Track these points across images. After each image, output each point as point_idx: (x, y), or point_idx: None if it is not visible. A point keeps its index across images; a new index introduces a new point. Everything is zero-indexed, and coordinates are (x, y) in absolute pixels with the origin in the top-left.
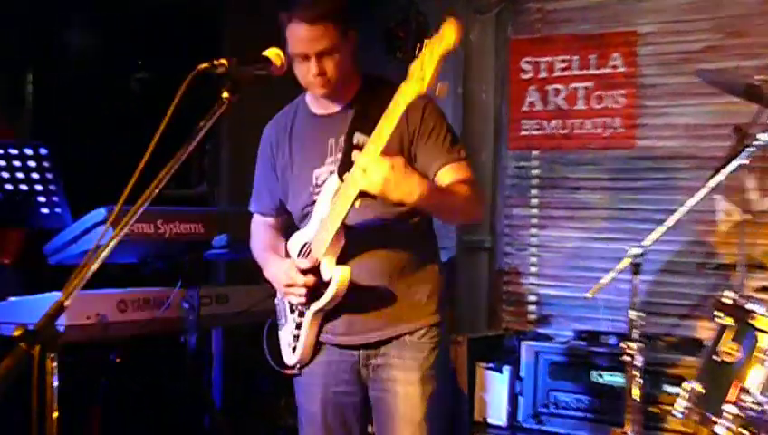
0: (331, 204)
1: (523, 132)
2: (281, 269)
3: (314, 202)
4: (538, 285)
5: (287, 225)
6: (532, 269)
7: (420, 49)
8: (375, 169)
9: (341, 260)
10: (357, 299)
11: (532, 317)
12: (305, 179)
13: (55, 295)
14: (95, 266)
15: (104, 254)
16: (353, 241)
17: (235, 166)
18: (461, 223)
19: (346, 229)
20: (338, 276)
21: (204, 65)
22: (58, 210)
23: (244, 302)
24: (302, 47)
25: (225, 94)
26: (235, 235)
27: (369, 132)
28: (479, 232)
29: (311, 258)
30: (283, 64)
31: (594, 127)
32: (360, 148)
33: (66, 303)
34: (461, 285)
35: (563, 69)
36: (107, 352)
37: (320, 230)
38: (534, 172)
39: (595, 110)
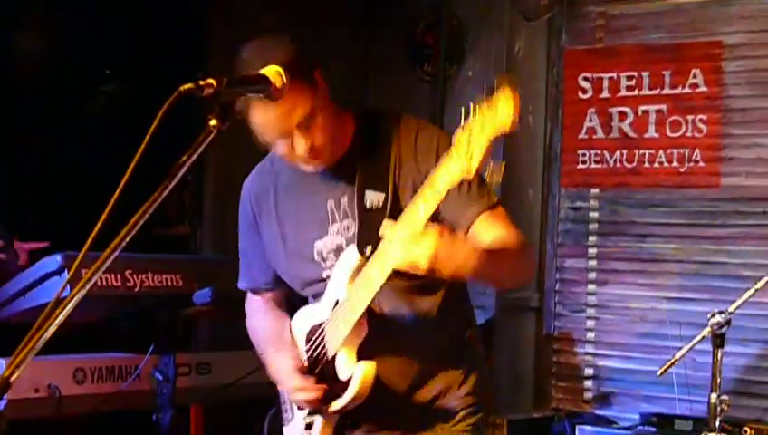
0: (348, 284)
1: (580, 165)
2: (287, 369)
3: (324, 279)
4: (596, 355)
5: (289, 295)
6: (590, 335)
7: (468, 115)
8: (420, 242)
9: (358, 352)
10: (381, 396)
11: (589, 395)
12: (305, 255)
13: None
14: (52, 330)
15: (63, 313)
16: (374, 328)
17: (221, 202)
18: (509, 288)
19: (373, 319)
20: (360, 375)
21: (187, 86)
22: (2, 256)
23: (230, 372)
24: (275, 128)
25: (214, 122)
26: (220, 288)
27: (381, 187)
28: (524, 288)
29: (323, 352)
30: (284, 84)
31: (668, 160)
32: (374, 210)
33: (12, 378)
34: (501, 354)
35: (630, 87)
36: (60, 433)
37: (335, 317)
38: (593, 215)
39: (670, 138)
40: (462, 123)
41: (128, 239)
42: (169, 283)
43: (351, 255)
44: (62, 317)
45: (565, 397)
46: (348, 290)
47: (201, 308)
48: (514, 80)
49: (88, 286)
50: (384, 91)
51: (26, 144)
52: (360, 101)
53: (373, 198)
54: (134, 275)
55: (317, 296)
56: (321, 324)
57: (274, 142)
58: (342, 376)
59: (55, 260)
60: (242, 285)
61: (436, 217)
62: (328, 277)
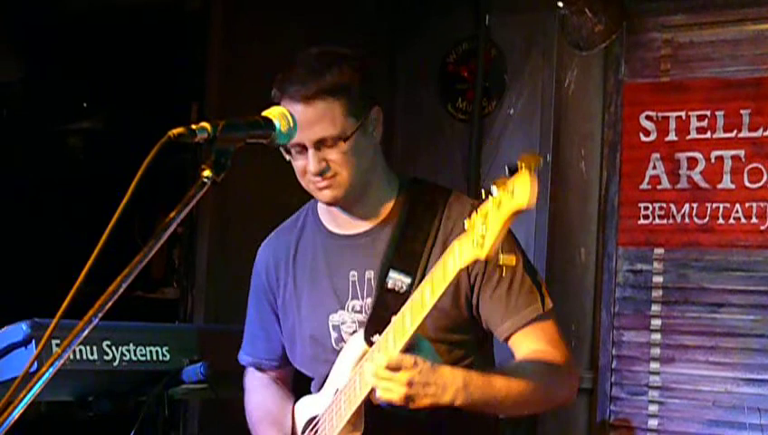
0: (351, 373)
1: (642, 221)
2: None
3: (332, 357)
4: None
5: (294, 375)
6: (652, 423)
7: (485, 196)
8: (391, 375)
9: None
10: None
11: None
12: (319, 325)
13: None
14: (18, 412)
15: (31, 393)
16: (375, 421)
17: (217, 261)
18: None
19: (367, 409)
20: None
21: (177, 131)
22: None
23: None
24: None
25: (207, 172)
26: (214, 364)
27: (410, 270)
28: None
29: None
30: (290, 128)
31: (747, 215)
32: (395, 293)
33: None
34: None
35: (702, 129)
36: None
37: (333, 406)
38: (657, 280)
39: (749, 190)
40: (479, 205)
41: (107, 307)
42: (154, 357)
43: (357, 342)
44: (29, 397)
45: None
46: (348, 379)
47: (191, 387)
48: (536, 158)
49: (60, 362)
50: (412, 132)
51: None
52: (387, 143)
53: (398, 279)
54: (113, 348)
55: (322, 378)
56: (317, 416)
57: (292, 153)
58: None
59: (21, 329)
60: (243, 359)
61: (475, 312)
62: (334, 358)
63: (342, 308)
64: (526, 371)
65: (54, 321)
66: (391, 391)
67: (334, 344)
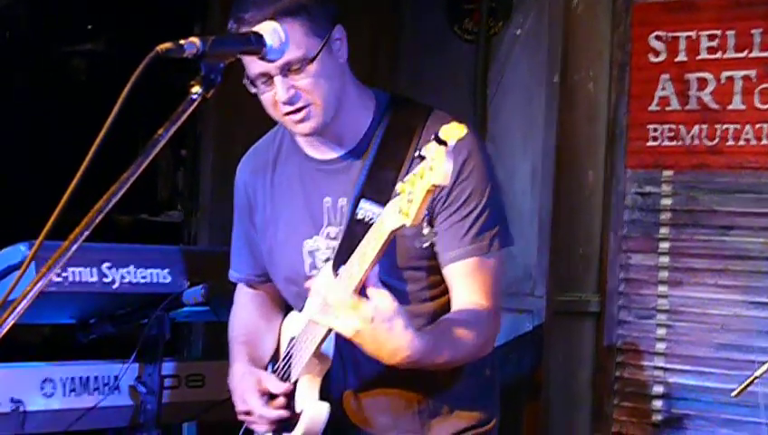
0: (317, 308)
1: (651, 143)
2: (240, 384)
3: (309, 279)
4: (667, 369)
5: None
6: (660, 346)
7: (420, 159)
8: (346, 313)
9: (341, 381)
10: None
11: (658, 418)
12: (293, 251)
13: None
14: (2, 330)
15: (16, 311)
16: (361, 364)
17: (221, 183)
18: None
19: (347, 347)
20: (307, 415)
21: (165, 46)
22: None
23: (226, 386)
24: (257, 64)
25: (196, 88)
26: (217, 286)
27: (381, 200)
28: (581, 288)
29: (288, 373)
30: (282, 44)
31: (757, 137)
32: (364, 225)
33: None
34: (553, 368)
35: (713, 49)
36: None
37: (302, 337)
38: (666, 202)
39: (759, 111)
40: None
41: (94, 224)
42: (155, 278)
43: (325, 274)
44: (11, 319)
45: (629, 419)
46: (316, 311)
47: (193, 309)
48: (457, 130)
49: (43, 281)
50: (417, 53)
51: None
52: (392, 64)
53: (369, 209)
54: (113, 270)
55: (301, 298)
56: (294, 338)
57: (258, 88)
58: (297, 407)
59: (19, 250)
60: (232, 275)
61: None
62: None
63: (317, 234)
64: (463, 330)
65: (41, 236)
66: (342, 326)
67: (308, 270)
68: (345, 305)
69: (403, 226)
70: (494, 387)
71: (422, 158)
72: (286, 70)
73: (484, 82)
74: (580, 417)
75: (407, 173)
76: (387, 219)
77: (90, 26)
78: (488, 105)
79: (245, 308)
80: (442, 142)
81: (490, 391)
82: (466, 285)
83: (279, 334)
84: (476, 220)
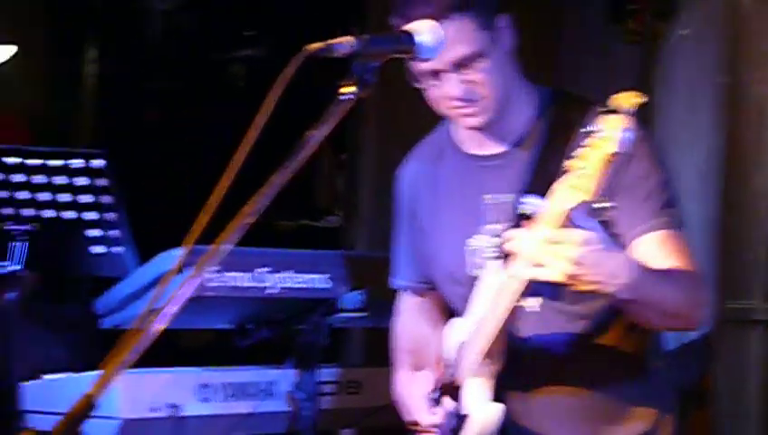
0: (490, 303)
1: None
2: (404, 393)
3: (472, 281)
4: None
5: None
6: None
7: (588, 133)
8: (559, 242)
9: (508, 382)
10: None
11: None
12: (456, 251)
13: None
14: (152, 334)
15: (166, 315)
16: (531, 364)
17: (381, 187)
18: (668, 329)
19: (517, 346)
20: (480, 418)
21: (315, 46)
22: (118, 249)
23: (385, 392)
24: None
25: (349, 89)
26: (375, 292)
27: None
28: (748, 295)
29: (456, 377)
30: (438, 43)
31: None
32: (530, 218)
33: (97, 397)
34: (720, 379)
35: None
36: None
37: (471, 339)
38: None
39: None
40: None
41: (245, 225)
42: (313, 284)
43: (494, 269)
44: (161, 324)
45: None
46: (488, 309)
47: (351, 315)
48: (631, 98)
49: (192, 286)
50: (578, 54)
51: (158, 117)
52: (551, 62)
53: (534, 205)
54: (271, 275)
55: (465, 300)
56: (464, 342)
57: (424, 83)
58: (465, 411)
59: (173, 256)
60: (394, 283)
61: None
62: (477, 280)
63: (480, 233)
64: (676, 276)
65: (191, 238)
66: (553, 266)
67: (471, 270)
68: (554, 235)
69: (582, 202)
70: (670, 390)
71: (589, 134)
72: (458, 66)
73: (647, 84)
74: (748, 428)
75: None
76: (560, 200)
77: (248, 32)
78: (653, 106)
79: (409, 315)
80: (613, 112)
81: (666, 394)
82: (661, 253)
83: (443, 342)
84: (659, 196)
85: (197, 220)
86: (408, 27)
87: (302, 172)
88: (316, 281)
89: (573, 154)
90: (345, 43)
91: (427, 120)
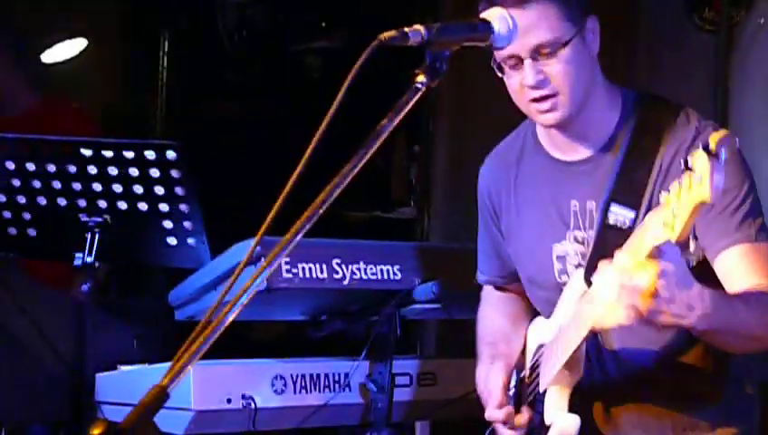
0: (572, 314)
1: None
2: (486, 387)
3: (558, 286)
4: None
5: None
6: None
7: (684, 168)
8: (637, 274)
9: (591, 393)
10: None
11: None
12: (542, 255)
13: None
14: (223, 326)
15: (237, 306)
16: (619, 377)
17: (455, 179)
18: (750, 351)
19: (605, 358)
20: (557, 427)
21: (388, 35)
22: (191, 241)
23: (460, 384)
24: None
25: (421, 78)
26: (449, 284)
27: (633, 203)
28: None
29: (536, 381)
30: (510, 31)
31: None
32: (617, 230)
33: (170, 388)
34: None
35: None
36: None
37: (553, 346)
38: None
39: None
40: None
41: (316, 217)
42: (386, 275)
43: (577, 282)
44: (231, 315)
45: None
46: (568, 319)
47: (424, 306)
48: (726, 139)
49: (263, 276)
50: (655, 45)
51: (232, 109)
52: (629, 57)
53: (620, 214)
54: (343, 266)
55: (549, 304)
56: (543, 346)
57: (505, 69)
58: (546, 419)
59: (247, 247)
60: (479, 277)
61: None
62: (563, 285)
63: (565, 238)
64: (752, 302)
65: (261, 231)
66: (630, 306)
67: (558, 276)
68: (635, 266)
69: (667, 241)
70: (755, 405)
71: (688, 168)
72: (537, 53)
73: (725, 74)
74: None
75: (658, 176)
76: (649, 232)
77: (324, 24)
78: (729, 97)
79: (493, 308)
80: (710, 153)
81: (751, 410)
82: (740, 269)
83: (525, 339)
84: (738, 209)
85: (270, 211)
86: (483, 15)
87: (376, 163)
88: (388, 272)
89: (670, 188)
90: (418, 30)
91: (500, 113)
